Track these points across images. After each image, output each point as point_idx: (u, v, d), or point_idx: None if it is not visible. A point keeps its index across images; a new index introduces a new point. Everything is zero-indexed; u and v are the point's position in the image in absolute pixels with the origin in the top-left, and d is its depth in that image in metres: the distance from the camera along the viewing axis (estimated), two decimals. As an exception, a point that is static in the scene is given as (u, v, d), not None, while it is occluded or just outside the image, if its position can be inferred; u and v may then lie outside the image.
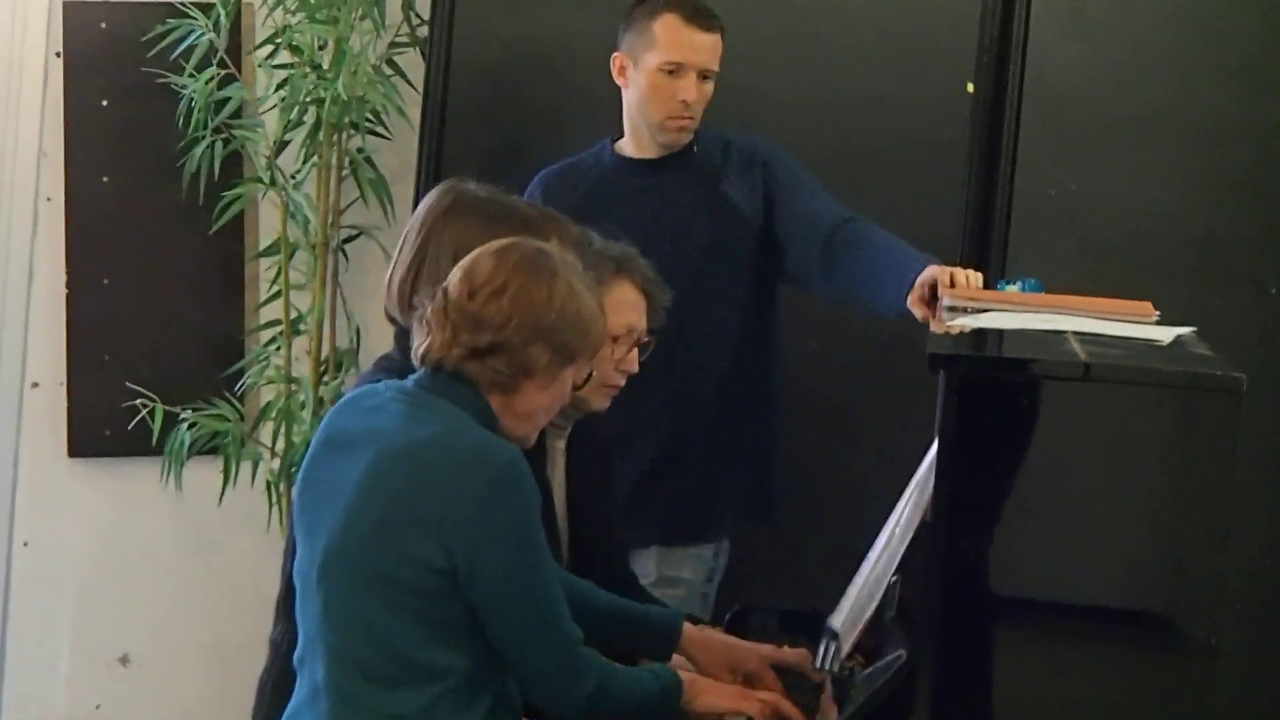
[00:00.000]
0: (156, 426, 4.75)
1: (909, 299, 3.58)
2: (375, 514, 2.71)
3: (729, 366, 3.92)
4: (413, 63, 4.71)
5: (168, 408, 4.77)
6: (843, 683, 2.93)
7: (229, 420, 4.75)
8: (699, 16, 3.86)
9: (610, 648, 2.93)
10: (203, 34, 4.68)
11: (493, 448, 2.71)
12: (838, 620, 3.04)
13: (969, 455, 2.57)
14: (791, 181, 3.93)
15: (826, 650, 3.03)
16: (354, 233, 4.79)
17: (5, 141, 4.85)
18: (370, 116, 4.68)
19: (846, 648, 2.95)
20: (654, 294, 3.26)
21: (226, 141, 4.72)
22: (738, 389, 3.94)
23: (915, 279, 3.57)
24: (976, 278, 3.52)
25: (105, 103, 4.85)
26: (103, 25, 4.82)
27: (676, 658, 3.08)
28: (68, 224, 4.86)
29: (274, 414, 4.76)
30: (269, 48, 4.71)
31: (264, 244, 4.86)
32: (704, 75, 3.87)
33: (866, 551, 3.10)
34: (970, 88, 4.28)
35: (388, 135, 4.74)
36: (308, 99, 4.62)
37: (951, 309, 3.25)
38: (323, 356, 4.76)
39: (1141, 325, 3.02)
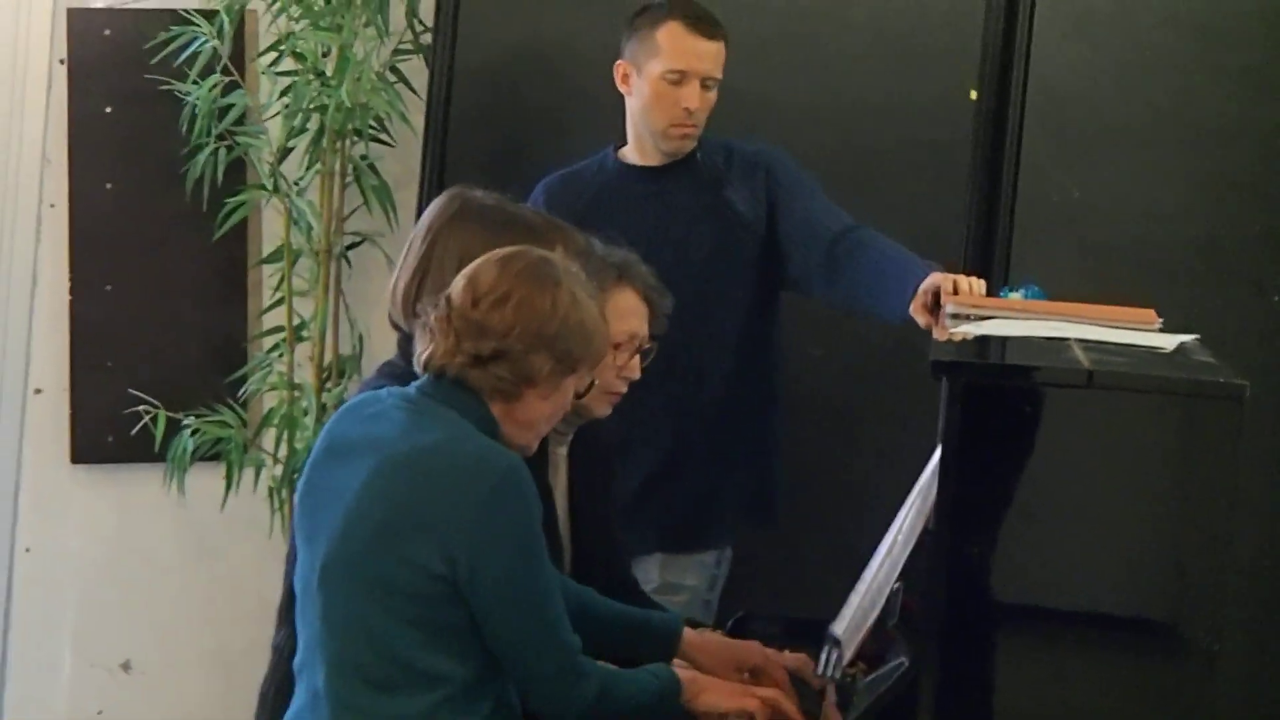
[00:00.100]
0: (159, 433, 4.75)
1: (912, 306, 3.58)
2: (376, 520, 2.71)
3: (731, 371, 3.93)
4: (416, 69, 4.70)
5: (170, 414, 4.77)
6: (845, 690, 2.93)
7: (231, 426, 4.75)
8: (702, 24, 3.86)
9: (611, 653, 2.93)
10: (206, 41, 4.67)
11: (494, 455, 2.72)
12: (840, 627, 3.04)
13: (972, 462, 2.58)
14: (794, 187, 3.93)
15: (829, 657, 3.03)
16: (357, 239, 4.78)
17: (9, 148, 4.85)
18: (373, 123, 4.67)
19: (849, 654, 2.95)
20: (655, 300, 3.25)
21: (230, 148, 4.71)
22: (739, 393, 3.94)
23: (918, 286, 3.57)
24: (979, 285, 3.52)
25: (109, 109, 4.84)
26: (106, 32, 4.81)
27: (678, 661, 3.07)
28: (71, 230, 4.86)
29: (276, 420, 4.75)
30: (272, 55, 4.71)
31: (267, 250, 4.86)
32: (707, 83, 3.86)
33: (868, 556, 3.11)
34: (973, 95, 4.28)
35: (391, 142, 4.74)
36: (311, 106, 4.62)
37: (954, 316, 3.25)
38: (325, 363, 4.76)
39: (1144, 332, 3.02)
